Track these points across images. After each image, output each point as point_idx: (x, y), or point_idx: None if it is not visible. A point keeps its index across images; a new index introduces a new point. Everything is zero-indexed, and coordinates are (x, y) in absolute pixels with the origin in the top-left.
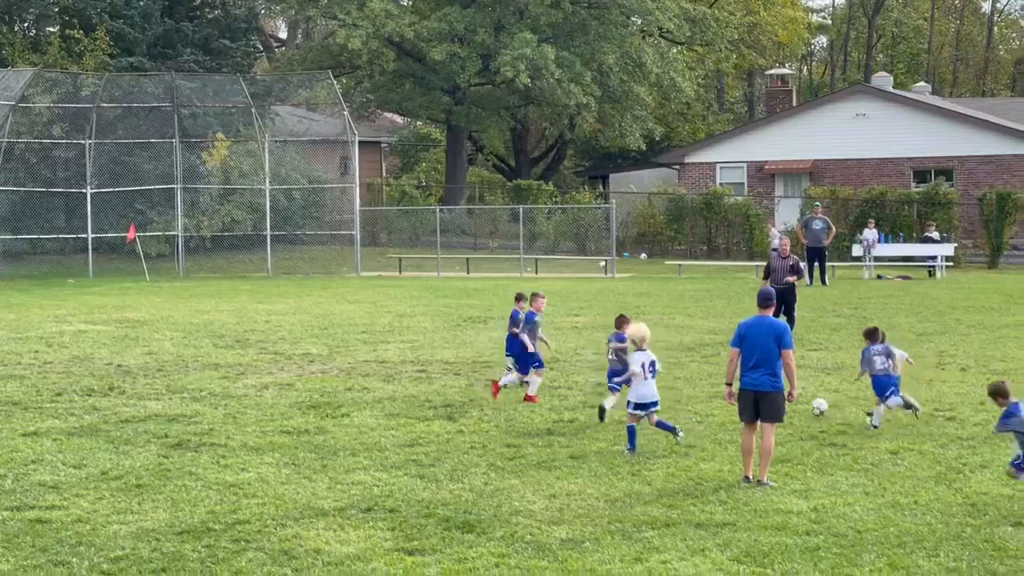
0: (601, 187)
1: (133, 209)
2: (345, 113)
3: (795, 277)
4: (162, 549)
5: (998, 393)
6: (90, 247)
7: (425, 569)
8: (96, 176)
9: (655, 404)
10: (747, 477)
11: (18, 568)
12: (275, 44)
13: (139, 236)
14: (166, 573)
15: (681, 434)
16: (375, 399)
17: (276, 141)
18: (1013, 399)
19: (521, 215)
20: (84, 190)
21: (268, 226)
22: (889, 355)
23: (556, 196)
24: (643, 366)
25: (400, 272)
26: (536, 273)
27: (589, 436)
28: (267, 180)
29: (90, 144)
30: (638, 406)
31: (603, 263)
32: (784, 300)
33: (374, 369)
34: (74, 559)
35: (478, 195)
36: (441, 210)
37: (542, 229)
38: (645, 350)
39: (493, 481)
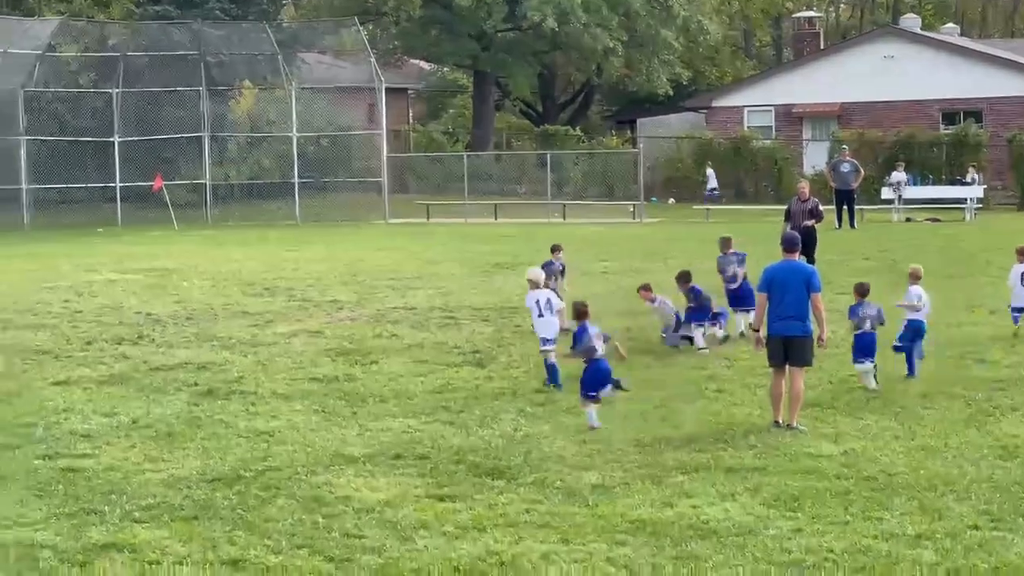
0: (629, 132)
1: (161, 158)
2: (372, 60)
3: (814, 220)
4: (193, 496)
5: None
6: (119, 196)
7: (456, 515)
8: (124, 125)
9: (551, 341)
10: (777, 422)
11: (51, 516)
12: None
13: (167, 185)
14: (197, 520)
15: (560, 385)
16: (404, 346)
17: (303, 88)
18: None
19: (549, 161)
20: (112, 139)
21: (296, 174)
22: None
23: (584, 142)
24: (537, 303)
25: (428, 219)
26: (564, 219)
27: None
28: (294, 128)
29: (117, 93)
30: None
31: (631, 208)
32: (804, 244)
33: (403, 316)
34: (106, 507)
35: (505, 141)
36: (469, 156)
37: (570, 175)
38: (541, 289)
39: (523, 427)
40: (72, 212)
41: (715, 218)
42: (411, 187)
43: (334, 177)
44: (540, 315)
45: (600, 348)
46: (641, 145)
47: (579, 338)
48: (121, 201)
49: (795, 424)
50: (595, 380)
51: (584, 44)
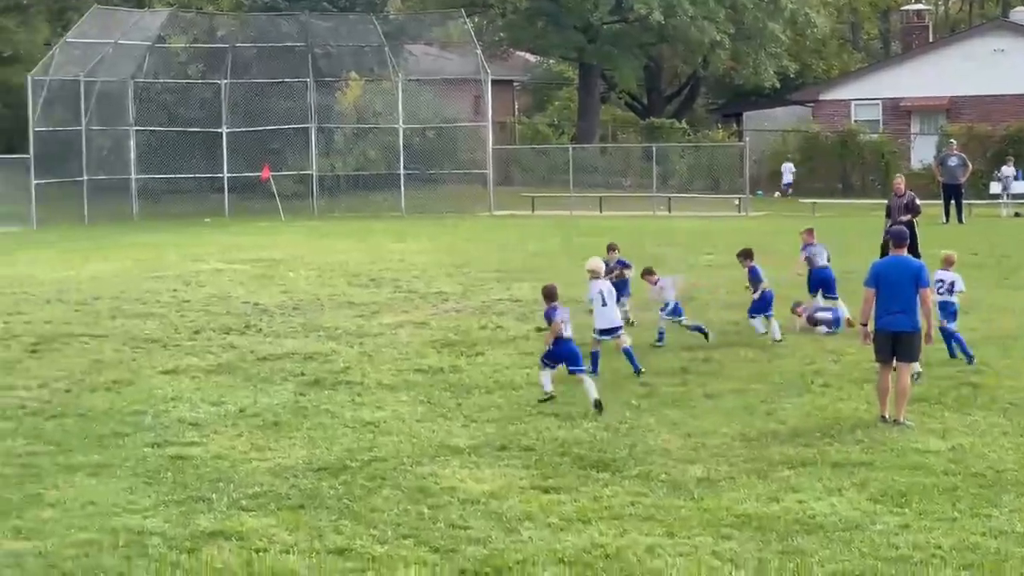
0: (735, 125)
1: (268, 149)
2: (478, 52)
3: (911, 215)
4: (299, 486)
5: None
6: (226, 186)
7: (561, 507)
8: (231, 116)
9: (619, 329)
10: (883, 416)
11: (159, 503)
12: None
13: (274, 176)
14: (304, 509)
15: (639, 369)
16: (509, 338)
17: (409, 80)
18: None
19: (654, 153)
20: (220, 130)
21: (402, 165)
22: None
23: (689, 134)
24: (600, 293)
25: (533, 211)
26: (669, 212)
27: (724, 375)
28: (400, 119)
29: (226, 84)
30: (602, 332)
31: (736, 201)
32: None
33: (508, 308)
34: (213, 495)
35: (611, 134)
36: (574, 149)
37: (675, 167)
38: (600, 279)
39: (628, 420)
40: (179, 202)
41: (821, 212)
42: (516, 179)
43: (439, 169)
44: (604, 304)
45: (567, 330)
46: (747, 138)
47: (549, 319)
48: (228, 191)
49: (902, 419)
50: (557, 355)
51: (691, 37)
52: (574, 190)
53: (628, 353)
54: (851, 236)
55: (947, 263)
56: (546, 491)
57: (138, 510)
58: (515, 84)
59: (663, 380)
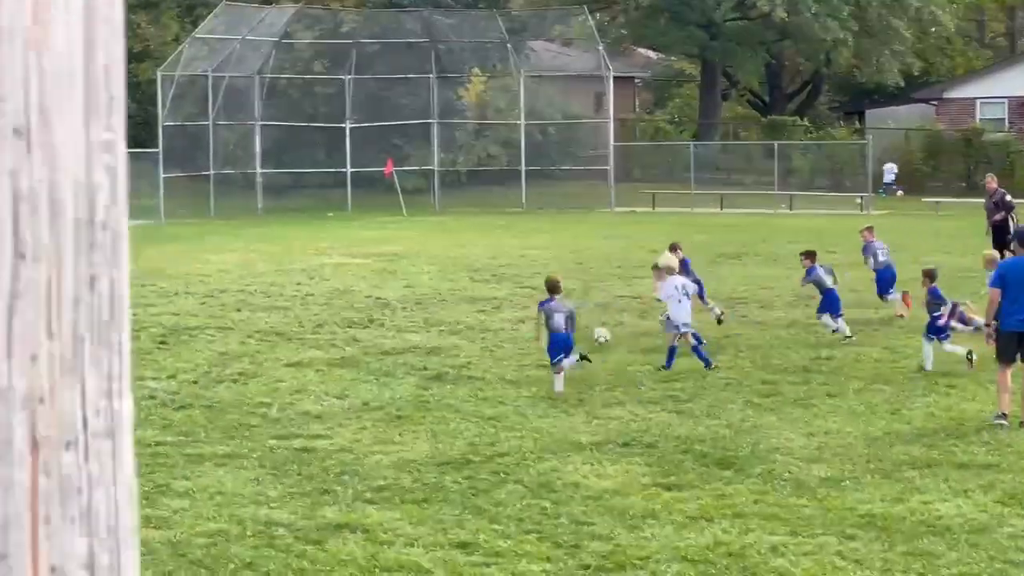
0: (857, 123)
1: (390, 144)
2: (600, 48)
3: (1002, 214)
4: (423, 480)
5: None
6: (349, 181)
7: (684, 505)
8: (355, 111)
9: (686, 325)
10: (1003, 413)
11: (286, 495)
12: None
13: (396, 170)
14: (428, 503)
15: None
16: (630, 334)
17: (531, 76)
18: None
19: (776, 151)
20: (344, 125)
21: (523, 161)
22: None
23: (811, 132)
24: (676, 288)
25: (653, 208)
26: (791, 209)
27: (846, 374)
28: (522, 115)
29: (350, 80)
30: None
31: (859, 200)
32: (996, 238)
33: (628, 304)
34: (338, 487)
35: (732, 131)
36: (695, 146)
37: (797, 165)
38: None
39: (750, 418)
40: (302, 196)
41: (945, 211)
42: (636, 175)
43: (560, 165)
44: (679, 300)
45: (562, 323)
46: (869, 136)
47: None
48: (351, 186)
49: None
50: (555, 349)
51: (814, 34)
52: (695, 187)
53: (672, 351)
54: (971, 236)
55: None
56: (668, 488)
57: (265, 501)
58: (636, 80)
59: (785, 378)
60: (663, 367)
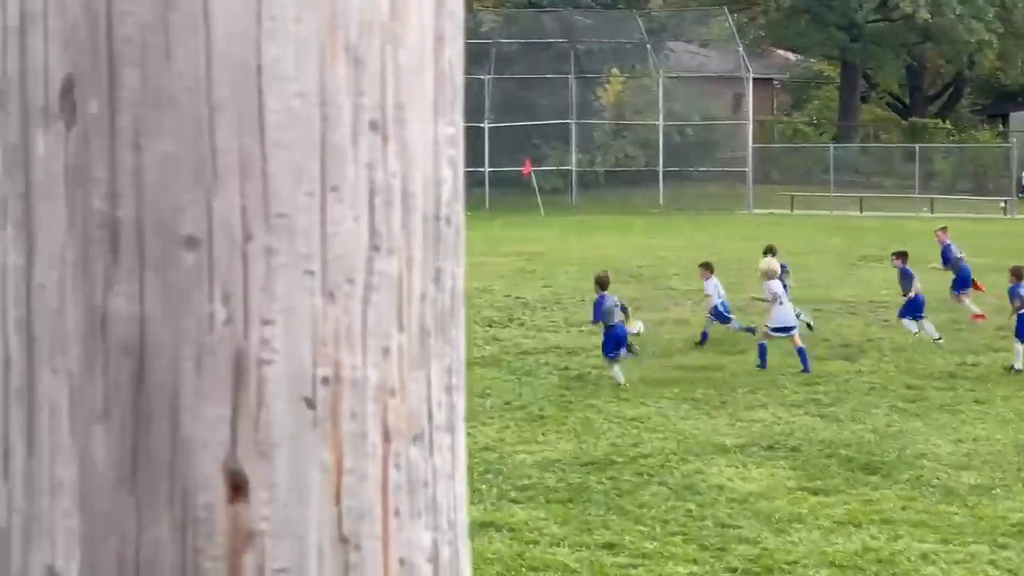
0: (1000, 126)
1: (528, 144)
2: (740, 49)
3: None
4: (568, 479)
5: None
6: (487, 180)
7: (830, 509)
8: (493, 111)
9: (794, 328)
10: None
11: None
12: None
13: (534, 170)
14: (572, 503)
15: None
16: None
17: (670, 77)
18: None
19: (917, 154)
20: (482, 124)
21: (660, 162)
22: None
23: (953, 135)
24: (775, 294)
25: (792, 210)
26: (932, 213)
27: (994, 380)
28: (660, 116)
29: (489, 79)
30: (775, 329)
31: (1002, 204)
32: None
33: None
34: (483, 486)
35: (872, 133)
36: (835, 148)
37: (938, 168)
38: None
39: (895, 423)
40: None
41: None
42: (774, 177)
43: (698, 166)
44: (781, 303)
45: (618, 316)
46: (1013, 139)
47: (599, 307)
48: (489, 186)
49: None
50: (611, 343)
51: (958, 36)
52: (834, 189)
53: (801, 352)
54: None
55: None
56: (814, 492)
57: None
58: (774, 82)
59: (930, 383)
60: (758, 366)
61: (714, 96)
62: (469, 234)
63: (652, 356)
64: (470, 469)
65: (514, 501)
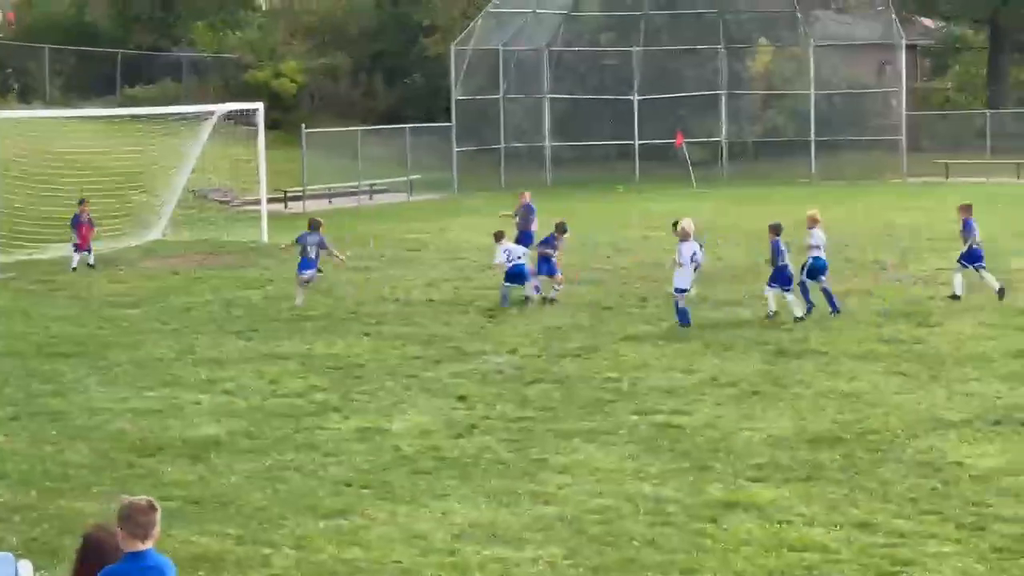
0: None
1: (676, 116)
2: (893, 16)
3: None
4: (798, 457)
5: None
6: (637, 153)
7: None
8: (642, 83)
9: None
10: None
11: (665, 471)
12: None
13: (684, 142)
14: (811, 481)
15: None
16: (964, 308)
17: (819, 46)
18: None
19: None
20: (631, 97)
21: (812, 131)
22: None
23: None
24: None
25: (946, 177)
26: None
27: None
28: (812, 85)
29: (638, 52)
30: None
31: None
32: None
33: (952, 277)
34: (716, 464)
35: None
36: (991, 114)
37: None
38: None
39: None
40: (588, 168)
41: None
42: (925, 145)
43: (848, 135)
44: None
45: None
46: None
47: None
48: (639, 158)
49: None
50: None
51: None
52: (990, 156)
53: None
54: None
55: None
56: None
57: (647, 477)
58: (918, 48)
59: None
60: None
61: (860, 64)
62: (625, 207)
63: (848, 328)
64: (697, 447)
65: (752, 480)
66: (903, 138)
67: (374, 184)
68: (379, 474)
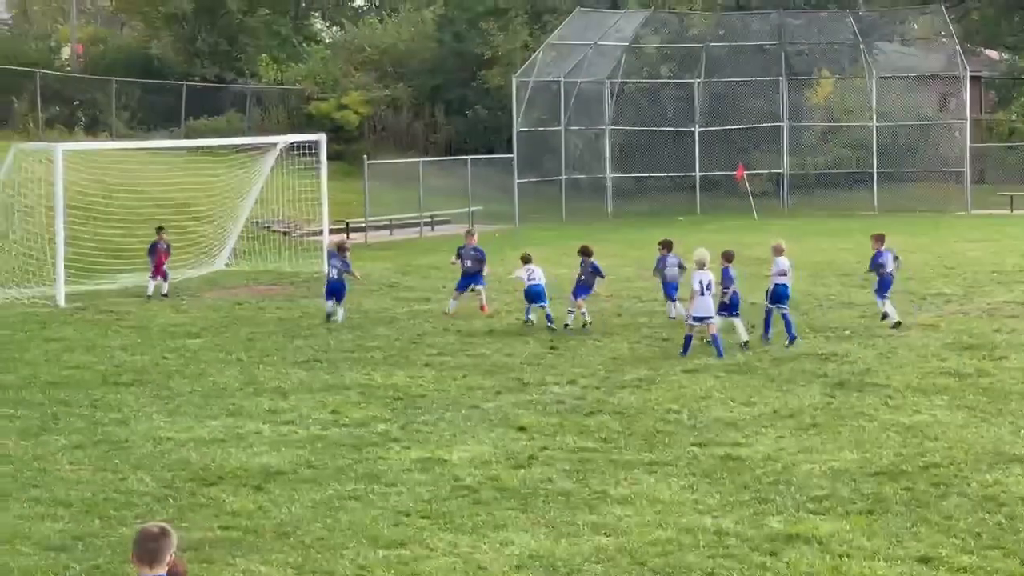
0: None
1: (737, 147)
2: (956, 47)
3: None
4: (861, 490)
5: None
6: (698, 185)
7: None
8: (703, 115)
9: (709, 318)
10: None
11: (725, 503)
12: None
13: (745, 174)
14: (873, 515)
15: (723, 356)
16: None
17: (882, 77)
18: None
19: None
20: (691, 129)
21: (874, 163)
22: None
23: None
24: (701, 284)
25: (1011, 210)
26: None
27: None
28: (874, 117)
29: (699, 83)
30: (696, 319)
31: None
32: None
33: (1018, 310)
34: (776, 496)
35: None
36: None
37: None
38: (705, 271)
39: None
40: (649, 200)
41: None
42: (990, 177)
43: (912, 167)
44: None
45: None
46: None
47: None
48: (700, 190)
49: None
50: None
51: None
52: None
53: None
54: None
55: (778, 251)
56: None
57: (706, 510)
58: (983, 79)
59: None
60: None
61: (922, 95)
62: (687, 238)
63: (910, 362)
64: (758, 479)
65: (813, 512)
66: (967, 170)
67: (435, 215)
68: (439, 504)
